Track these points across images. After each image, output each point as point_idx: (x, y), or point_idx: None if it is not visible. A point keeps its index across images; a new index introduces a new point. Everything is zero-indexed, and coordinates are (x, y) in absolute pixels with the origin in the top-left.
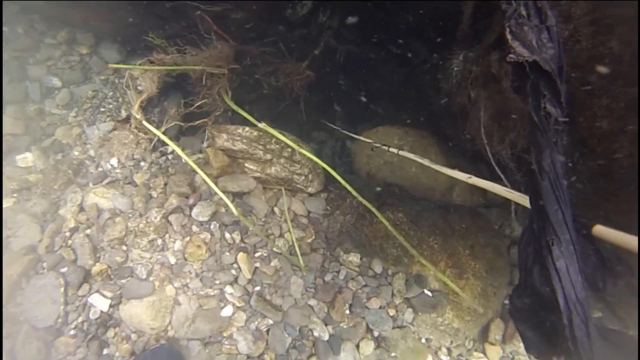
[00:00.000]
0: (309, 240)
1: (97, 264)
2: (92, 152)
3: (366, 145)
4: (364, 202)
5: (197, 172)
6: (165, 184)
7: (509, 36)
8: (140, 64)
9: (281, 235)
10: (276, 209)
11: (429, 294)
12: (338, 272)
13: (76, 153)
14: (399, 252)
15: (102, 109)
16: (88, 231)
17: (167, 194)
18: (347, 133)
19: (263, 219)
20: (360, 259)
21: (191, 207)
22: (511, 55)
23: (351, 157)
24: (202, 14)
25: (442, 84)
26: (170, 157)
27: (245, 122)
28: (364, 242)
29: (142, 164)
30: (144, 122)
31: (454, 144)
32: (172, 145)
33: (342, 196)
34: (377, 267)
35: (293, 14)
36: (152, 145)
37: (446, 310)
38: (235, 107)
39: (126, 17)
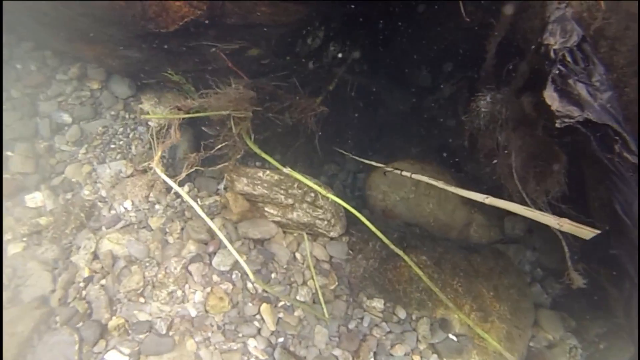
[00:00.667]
0: (332, 287)
1: (114, 317)
2: (103, 193)
3: (382, 182)
4: (395, 248)
5: (215, 217)
6: (182, 229)
7: (553, 95)
8: (168, 112)
9: (304, 283)
10: (297, 255)
11: (454, 338)
12: (362, 318)
13: (86, 192)
14: (422, 296)
15: (113, 146)
16: (103, 281)
17: (185, 240)
18: (368, 162)
19: (285, 267)
20: (384, 304)
21: (211, 255)
22: (558, 121)
23: (365, 192)
24: (218, 51)
25: (467, 125)
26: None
27: (255, 157)
28: (387, 287)
29: (157, 207)
30: (163, 176)
31: (471, 180)
32: (190, 202)
33: (365, 239)
34: (401, 313)
35: (305, 47)
36: (170, 193)
37: (472, 355)
38: (258, 151)
39: (138, 53)
